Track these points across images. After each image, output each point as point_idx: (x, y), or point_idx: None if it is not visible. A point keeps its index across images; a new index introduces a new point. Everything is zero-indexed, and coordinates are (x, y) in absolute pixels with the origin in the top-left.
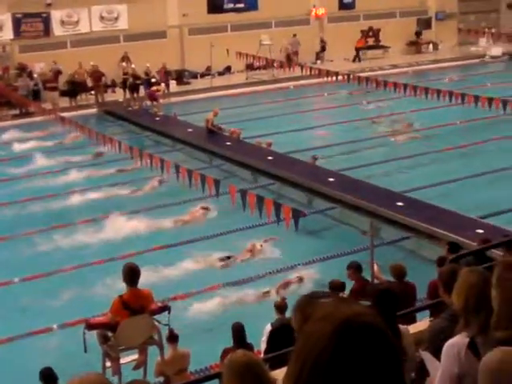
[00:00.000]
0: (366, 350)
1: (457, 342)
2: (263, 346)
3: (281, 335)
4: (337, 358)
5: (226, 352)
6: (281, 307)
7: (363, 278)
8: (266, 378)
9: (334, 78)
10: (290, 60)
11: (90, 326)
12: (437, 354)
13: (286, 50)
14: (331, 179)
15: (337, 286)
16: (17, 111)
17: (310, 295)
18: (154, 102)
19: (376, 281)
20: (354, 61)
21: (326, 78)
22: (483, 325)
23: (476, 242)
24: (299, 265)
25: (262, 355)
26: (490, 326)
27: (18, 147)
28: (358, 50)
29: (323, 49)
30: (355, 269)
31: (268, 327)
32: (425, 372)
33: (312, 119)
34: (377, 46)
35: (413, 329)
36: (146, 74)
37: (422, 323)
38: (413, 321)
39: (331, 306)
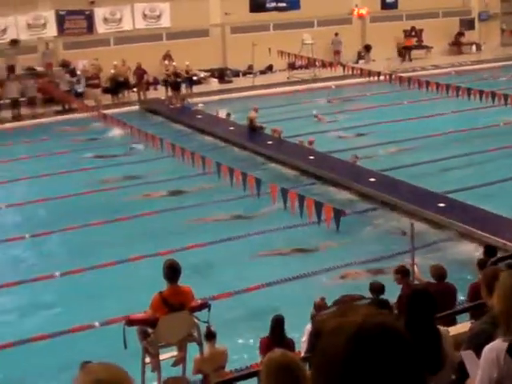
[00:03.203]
0: (384, 353)
1: (496, 346)
2: (303, 346)
3: None
4: (355, 368)
5: (262, 343)
6: (320, 306)
7: (411, 282)
8: (304, 378)
9: (376, 77)
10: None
11: (130, 322)
12: (476, 356)
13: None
14: (372, 179)
15: (377, 289)
16: (59, 107)
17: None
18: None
19: (416, 282)
20: (403, 60)
21: (367, 78)
22: None
23: None
24: (339, 265)
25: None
26: None
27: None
28: (405, 49)
29: (367, 49)
30: (403, 273)
31: (308, 327)
32: (465, 374)
33: (354, 119)
34: (419, 46)
35: (453, 331)
36: (187, 72)
37: (463, 325)
38: (453, 323)
39: (339, 317)
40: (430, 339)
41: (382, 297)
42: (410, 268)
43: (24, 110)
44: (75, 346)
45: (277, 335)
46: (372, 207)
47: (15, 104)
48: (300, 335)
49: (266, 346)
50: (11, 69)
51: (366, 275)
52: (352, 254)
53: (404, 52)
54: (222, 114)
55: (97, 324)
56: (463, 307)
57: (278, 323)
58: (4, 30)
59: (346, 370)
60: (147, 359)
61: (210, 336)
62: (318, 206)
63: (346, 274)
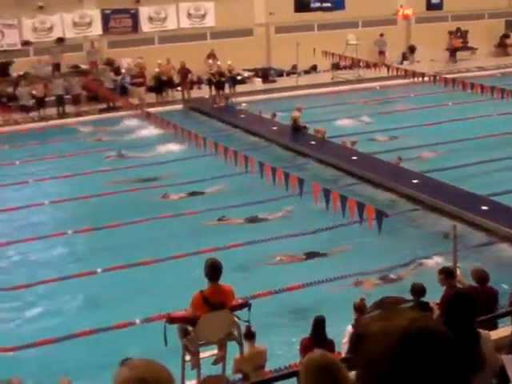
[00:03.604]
0: (429, 356)
1: None
2: (344, 348)
3: None
4: (401, 371)
5: (302, 344)
6: (360, 308)
7: (454, 284)
8: (343, 379)
9: (421, 78)
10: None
11: (171, 320)
12: None
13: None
14: (415, 181)
15: (418, 291)
16: (104, 105)
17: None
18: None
19: (458, 285)
20: (455, 61)
21: (412, 79)
22: None
23: None
24: (380, 266)
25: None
26: None
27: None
28: (452, 50)
29: (412, 50)
30: (446, 274)
31: (349, 328)
32: (506, 378)
33: (397, 120)
34: (464, 48)
35: (494, 335)
36: (229, 71)
37: (504, 330)
38: (494, 327)
39: (384, 320)
40: (468, 341)
41: (423, 299)
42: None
43: (69, 108)
44: (116, 342)
45: (317, 336)
46: (414, 209)
47: (60, 101)
48: (339, 336)
49: (307, 347)
50: (56, 66)
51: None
52: (393, 254)
53: (451, 52)
54: (268, 114)
55: (137, 321)
56: (505, 311)
57: (318, 324)
58: (50, 28)
59: (392, 373)
60: (187, 357)
61: (250, 335)
62: (360, 207)
63: (386, 274)
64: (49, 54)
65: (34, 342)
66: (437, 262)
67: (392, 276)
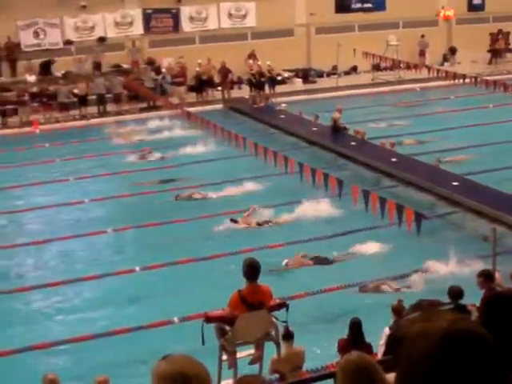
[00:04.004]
0: (470, 357)
1: None
2: (381, 350)
3: None
4: (442, 373)
5: (340, 344)
6: (397, 310)
7: (493, 287)
8: (380, 381)
9: (461, 80)
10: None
11: (209, 319)
12: None
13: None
14: (455, 183)
15: (455, 293)
16: (144, 104)
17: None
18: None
19: (498, 288)
20: (490, 63)
21: (452, 81)
22: None
23: None
24: (418, 269)
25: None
26: None
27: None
28: (495, 52)
29: (452, 52)
30: (486, 277)
31: (386, 330)
32: None
33: (437, 121)
34: (506, 50)
35: None
36: (269, 71)
37: None
38: None
39: (424, 322)
40: (507, 343)
41: (461, 302)
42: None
43: (110, 107)
44: (154, 341)
45: (355, 338)
46: (453, 211)
47: (101, 100)
48: (376, 338)
49: (344, 347)
50: (97, 65)
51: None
52: (431, 257)
53: (492, 55)
54: (308, 115)
55: (176, 320)
56: None
57: (355, 326)
58: (92, 28)
59: (432, 374)
60: (224, 357)
61: (288, 336)
62: (399, 209)
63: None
64: (90, 52)
65: (73, 338)
66: (476, 265)
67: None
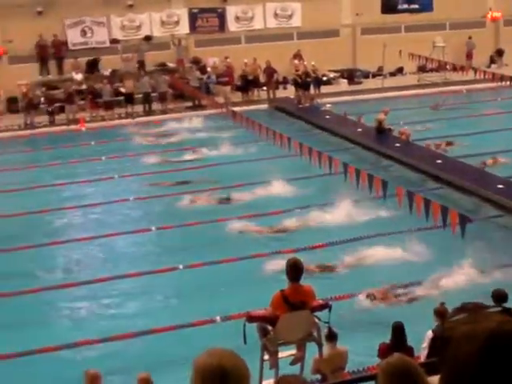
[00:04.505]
0: None
1: None
2: (424, 353)
3: None
4: (489, 374)
5: (381, 348)
6: (440, 313)
7: None
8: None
9: (508, 82)
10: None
11: (251, 319)
12: None
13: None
14: (500, 186)
15: (500, 296)
16: (189, 104)
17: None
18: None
19: None
20: None
21: (499, 83)
22: None
23: None
24: (461, 271)
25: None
26: None
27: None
28: None
29: (500, 54)
30: None
31: (429, 334)
32: None
33: (484, 124)
34: None
35: None
36: (313, 71)
37: None
38: None
39: (471, 323)
40: None
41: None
42: None
43: (155, 105)
44: (196, 339)
45: (397, 341)
46: (499, 214)
47: (147, 99)
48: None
49: (385, 352)
50: (141, 64)
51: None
52: (476, 260)
53: None
54: (355, 116)
55: (218, 319)
56: None
57: (397, 329)
58: (139, 27)
59: (479, 375)
60: (266, 356)
61: (332, 337)
62: (444, 211)
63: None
64: (135, 51)
65: (115, 335)
66: None
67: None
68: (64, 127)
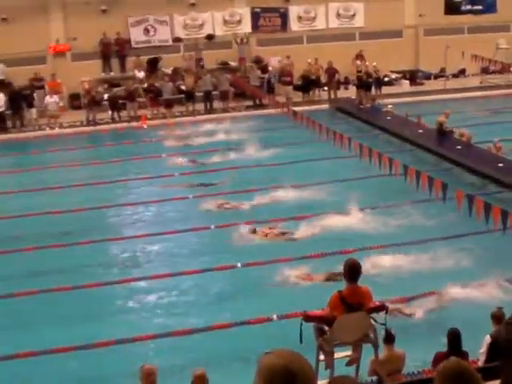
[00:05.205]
0: None
1: None
2: (482, 358)
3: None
4: None
5: (437, 357)
6: (497, 317)
7: None
8: None
9: None
10: None
11: (308, 318)
12: None
13: None
14: None
15: None
16: (250, 102)
17: None
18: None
19: None
20: None
21: None
22: None
23: None
24: None
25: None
26: None
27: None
28: None
29: None
30: None
31: (487, 338)
32: None
33: None
34: None
35: None
36: (375, 72)
37: None
38: None
39: None
40: None
41: None
42: None
43: (216, 104)
44: (252, 337)
45: (453, 348)
46: None
47: (208, 97)
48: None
49: (441, 360)
50: (199, 62)
51: None
52: None
53: None
54: (415, 118)
55: (274, 317)
56: None
57: (454, 336)
58: (201, 25)
59: None
60: (321, 356)
61: (390, 339)
62: (504, 215)
63: None
64: (193, 50)
65: (171, 331)
66: None
67: None
68: (125, 124)
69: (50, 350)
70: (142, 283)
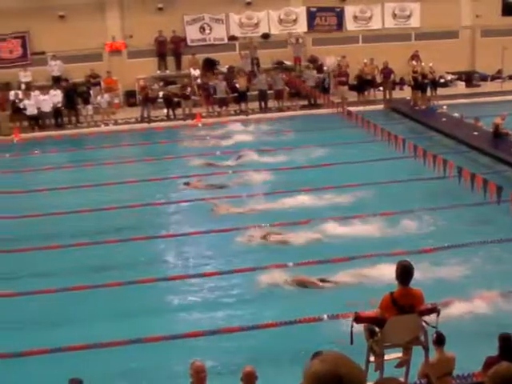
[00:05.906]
0: None
1: None
2: None
3: None
4: None
5: (487, 362)
6: None
7: None
8: None
9: None
10: None
11: (359, 319)
12: None
13: None
14: None
15: None
16: (305, 102)
17: None
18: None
19: None
20: None
21: None
22: None
23: None
24: None
25: None
26: None
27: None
28: None
29: None
30: None
31: None
32: None
33: None
34: None
35: None
36: (430, 73)
37: None
38: None
39: None
40: None
41: None
42: None
43: (271, 103)
44: (302, 336)
45: (504, 353)
46: None
47: (263, 96)
48: None
49: (491, 365)
50: (253, 61)
51: None
52: None
53: None
54: (471, 120)
55: (325, 317)
56: None
57: (504, 341)
58: (256, 24)
59: None
60: (371, 358)
61: (441, 341)
62: None
63: None
64: (246, 48)
65: (221, 328)
66: None
67: None
68: (180, 122)
69: (101, 343)
70: (195, 280)
